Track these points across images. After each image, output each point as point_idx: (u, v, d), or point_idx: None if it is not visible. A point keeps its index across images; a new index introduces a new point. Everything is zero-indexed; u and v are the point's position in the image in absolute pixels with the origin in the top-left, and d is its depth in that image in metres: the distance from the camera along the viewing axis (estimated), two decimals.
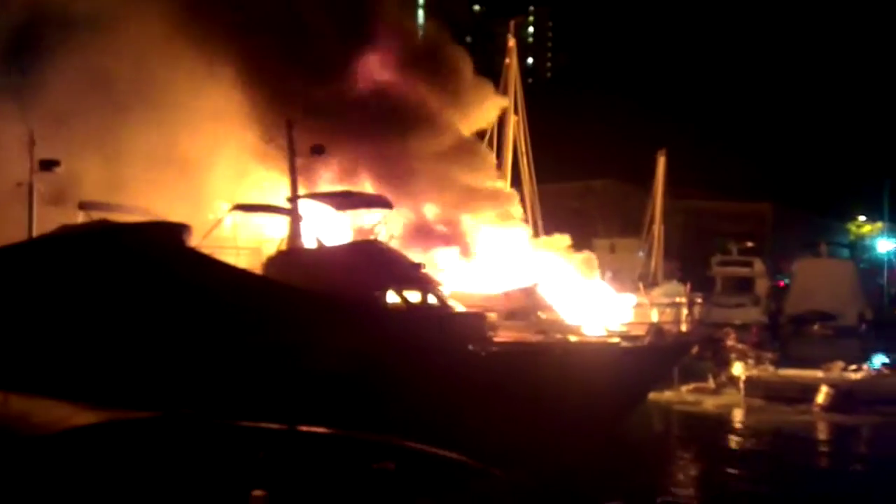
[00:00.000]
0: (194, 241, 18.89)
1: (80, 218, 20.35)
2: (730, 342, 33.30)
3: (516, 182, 32.98)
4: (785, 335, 49.65)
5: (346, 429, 6.80)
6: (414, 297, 20.78)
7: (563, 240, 31.21)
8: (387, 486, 5.84)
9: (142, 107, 23.70)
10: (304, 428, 6.66)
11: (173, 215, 19.77)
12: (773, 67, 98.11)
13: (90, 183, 21.74)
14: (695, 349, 31.33)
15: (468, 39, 33.24)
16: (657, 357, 26.14)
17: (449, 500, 6.32)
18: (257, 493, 5.50)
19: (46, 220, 18.98)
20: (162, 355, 16.57)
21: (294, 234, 21.72)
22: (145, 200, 21.53)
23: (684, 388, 30.53)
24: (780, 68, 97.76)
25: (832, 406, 27.91)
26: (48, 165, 18.74)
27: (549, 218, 33.57)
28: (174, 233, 18.25)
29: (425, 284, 21.24)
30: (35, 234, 18.59)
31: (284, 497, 5.57)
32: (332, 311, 18.61)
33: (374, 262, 20.83)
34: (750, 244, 61.78)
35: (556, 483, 15.52)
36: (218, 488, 5.55)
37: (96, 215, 20.20)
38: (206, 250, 18.98)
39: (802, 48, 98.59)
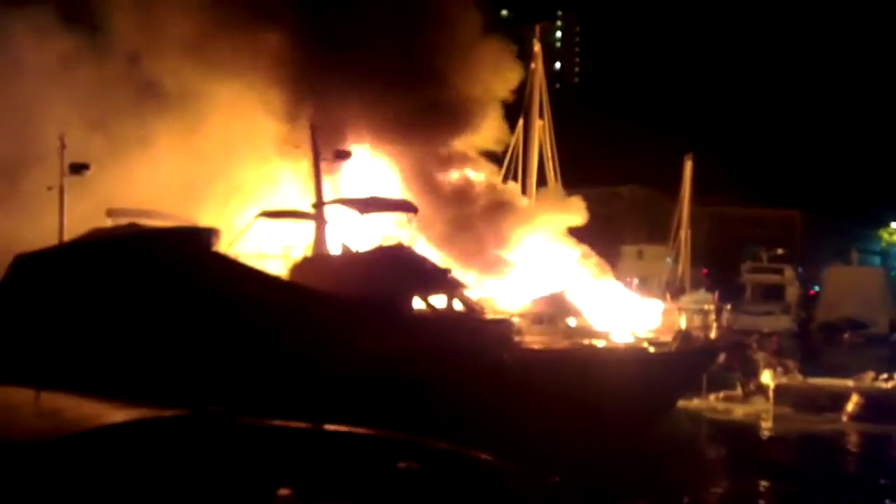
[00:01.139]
0: (222, 245, 19.05)
1: (109, 223, 20.59)
2: (753, 350, 33.03)
3: (542, 187, 32.91)
4: (815, 343, 49.12)
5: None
6: (440, 301, 20.78)
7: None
8: (412, 485, 5.83)
9: (175, 109, 23.96)
10: (329, 427, 6.67)
11: (203, 219, 19.96)
12: (802, 72, 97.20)
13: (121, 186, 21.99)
14: (722, 357, 31.05)
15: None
16: (685, 363, 25.94)
17: (480, 500, 6.31)
18: (283, 491, 5.52)
19: (76, 224, 19.21)
20: (191, 358, 16.71)
21: (319, 239, 21.82)
22: (176, 205, 21.75)
23: (713, 397, 30.28)
24: (809, 73, 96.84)
25: (862, 415, 27.54)
26: (78, 169, 18.97)
27: (575, 225, 33.40)
28: (202, 238, 18.41)
29: (452, 289, 21.22)
30: (65, 237, 18.82)
31: (310, 496, 5.58)
32: (359, 316, 18.64)
33: (400, 268, 20.86)
34: (780, 251, 61.16)
35: (586, 484, 15.43)
36: (244, 486, 5.57)
37: (125, 220, 20.44)
38: (233, 255, 19.13)
39: (833, 53, 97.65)
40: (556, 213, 30.49)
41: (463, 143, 28.63)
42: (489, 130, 29.29)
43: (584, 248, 30.94)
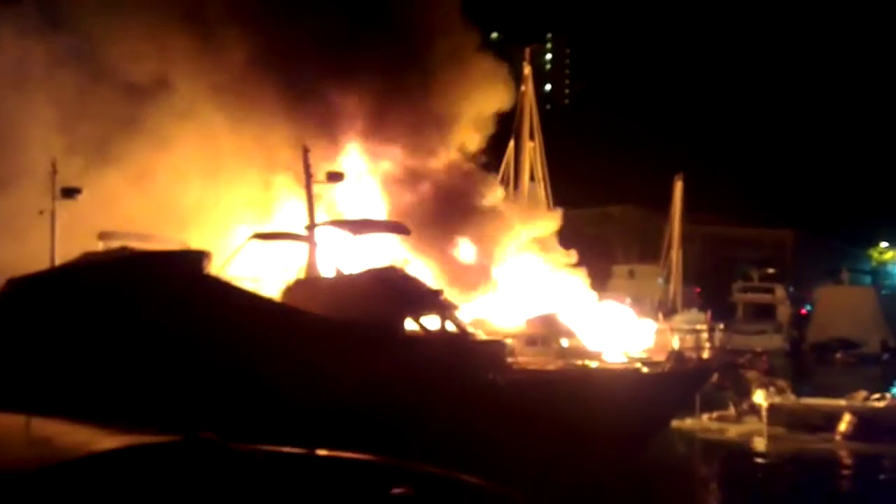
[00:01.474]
0: (215, 268, 19.02)
1: (101, 246, 20.54)
2: (745, 370, 33.06)
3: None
4: (808, 363, 49.25)
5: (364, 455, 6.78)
6: (433, 323, 20.76)
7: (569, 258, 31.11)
8: None
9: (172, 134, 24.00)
10: (323, 452, 6.64)
11: (195, 241, 19.94)
12: (793, 92, 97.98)
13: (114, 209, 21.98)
14: (714, 377, 31.07)
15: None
16: (678, 383, 25.92)
17: None
18: None
19: (67, 248, 19.17)
20: (183, 382, 16.64)
21: (312, 261, 21.83)
22: (168, 227, 21.73)
23: (706, 417, 30.25)
24: (800, 93, 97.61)
25: (855, 434, 27.55)
26: (70, 193, 18.96)
27: (567, 244, 33.54)
28: (194, 261, 18.38)
29: (444, 311, 21.22)
30: (57, 262, 18.78)
31: None
32: (351, 338, 18.61)
33: (392, 289, 20.85)
34: (771, 271, 61.45)
35: None
36: None
37: (116, 243, 20.39)
38: (226, 278, 19.10)
39: (824, 73, 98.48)
40: (534, 219, 30.40)
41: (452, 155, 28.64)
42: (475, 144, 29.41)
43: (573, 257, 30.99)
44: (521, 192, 32.66)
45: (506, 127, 32.23)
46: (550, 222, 30.60)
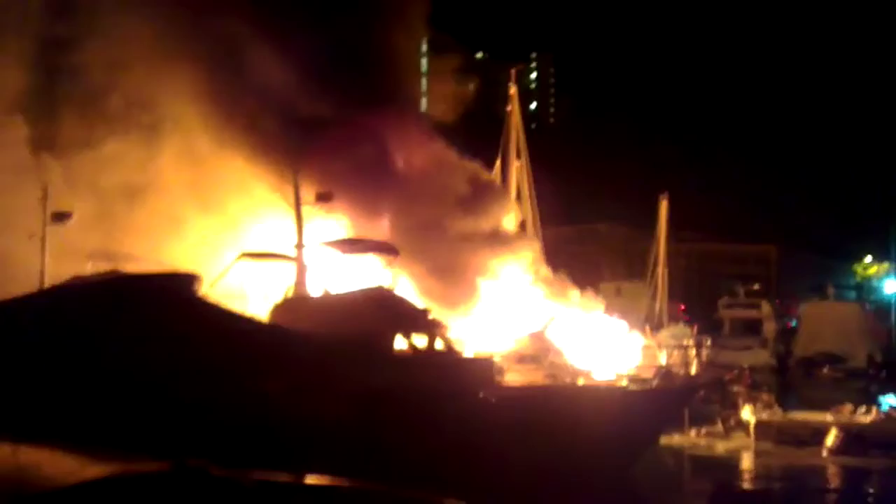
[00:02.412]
0: (204, 287, 19.01)
1: (89, 268, 20.48)
2: (731, 385, 33.23)
3: (519, 227, 33.07)
4: (794, 377, 49.45)
5: (352, 475, 6.83)
6: (421, 342, 20.80)
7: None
8: None
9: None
10: (309, 480, 6.68)
11: (184, 261, 19.95)
12: (774, 110, 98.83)
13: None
14: (700, 393, 31.16)
15: (471, 87, 33.43)
16: (666, 400, 26.00)
17: None
18: None
19: (57, 272, 19.12)
20: (173, 405, 16.59)
21: (300, 281, 21.84)
22: (158, 248, 21.70)
23: (694, 433, 30.33)
24: (781, 111, 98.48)
25: (842, 449, 27.67)
26: (61, 217, 18.93)
27: (552, 262, 33.64)
28: (184, 282, 18.38)
29: (432, 329, 21.27)
30: (46, 285, 18.73)
31: None
32: (341, 357, 18.64)
33: (381, 308, 20.90)
34: (756, 286, 61.78)
35: None
36: None
37: (105, 265, 20.35)
38: (215, 299, 19.09)
39: (805, 90, 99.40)
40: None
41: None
42: None
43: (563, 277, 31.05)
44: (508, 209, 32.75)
45: (493, 146, 32.41)
46: (527, 251, 30.57)
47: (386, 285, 22.87)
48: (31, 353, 16.61)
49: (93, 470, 5.83)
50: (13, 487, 5.58)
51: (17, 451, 6.64)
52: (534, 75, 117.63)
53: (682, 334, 37.09)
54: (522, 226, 32.71)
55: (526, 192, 33.17)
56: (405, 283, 25.55)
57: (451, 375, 20.50)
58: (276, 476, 6.59)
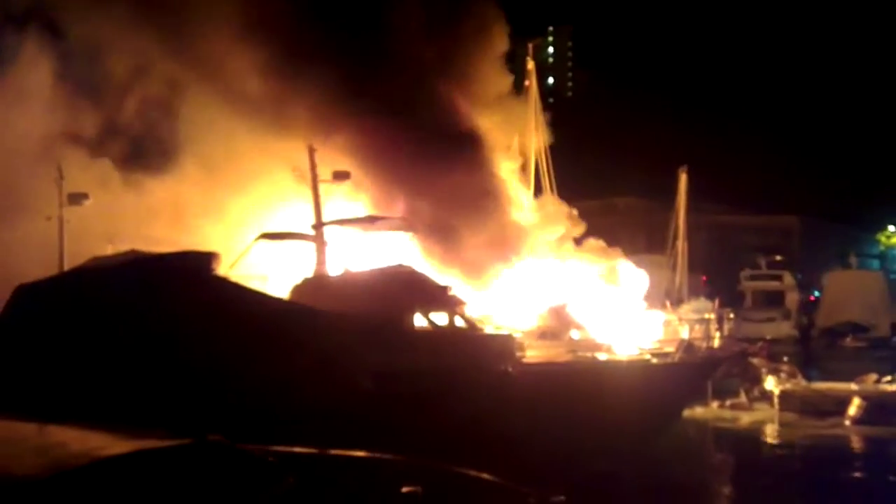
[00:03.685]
0: (223, 268, 19.07)
1: (110, 250, 20.60)
2: (752, 357, 33.09)
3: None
4: (817, 348, 49.12)
5: (375, 451, 6.81)
6: (441, 319, 20.79)
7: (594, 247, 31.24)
8: None
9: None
10: (333, 451, 6.66)
11: (203, 242, 20.01)
12: (795, 80, 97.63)
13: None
14: (722, 366, 31.04)
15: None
16: (688, 373, 25.91)
17: None
18: None
19: (76, 253, 19.25)
20: (193, 384, 16.69)
21: (320, 260, 21.87)
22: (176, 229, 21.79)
23: (717, 405, 30.23)
24: (803, 80, 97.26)
25: (865, 418, 27.53)
26: (77, 199, 19.02)
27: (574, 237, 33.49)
28: (203, 262, 18.43)
29: (453, 306, 21.24)
30: (65, 267, 18.85)
31: None
32: (362, 334, 18.66)
33: (400, 286, 20.88)
34: (779, 258, 61.21)
35: (593, 503, 15.39)
36: None
37: (124, 246, 20.46)
38: (234, 278, 19.15)
39: (828, 60, 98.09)
40: (552, 224, 30.56)
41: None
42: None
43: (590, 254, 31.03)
44: (527, 183, 32.64)
45: (509, 121, 32.23)
46: (563, 227, 30.67)
47: (405, 262, 22.85)
48: (55, 334, 16.76)
49: (116, 447, 5.83)
50: (39, 464, 5.59)
51: (42, 430, 6.66)
52: (550, 49, 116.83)
53: (703, 308, 36.82)
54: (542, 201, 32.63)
55: (544, 166, 33.03)
56: (425, 260, 25.55)
57: (472, 352, 20.49)
58: (298, 449, 6.57)
